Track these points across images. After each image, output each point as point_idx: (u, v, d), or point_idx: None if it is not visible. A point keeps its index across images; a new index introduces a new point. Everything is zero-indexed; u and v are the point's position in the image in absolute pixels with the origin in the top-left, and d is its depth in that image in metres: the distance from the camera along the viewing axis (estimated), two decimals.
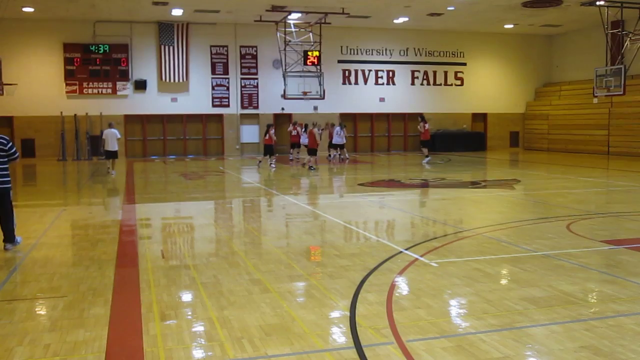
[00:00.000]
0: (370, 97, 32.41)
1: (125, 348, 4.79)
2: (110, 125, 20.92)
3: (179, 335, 4.98)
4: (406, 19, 29.26)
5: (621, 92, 24.98)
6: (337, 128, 25.00)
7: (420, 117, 25.15)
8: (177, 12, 26.81)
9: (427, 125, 24.08)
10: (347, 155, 26.21)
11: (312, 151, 22.12)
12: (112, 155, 20.18)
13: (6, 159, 8.25)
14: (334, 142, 25.19)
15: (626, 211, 11.43)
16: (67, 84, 28.25)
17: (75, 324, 5.27)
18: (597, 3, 24.73)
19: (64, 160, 27.39)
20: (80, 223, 11.13)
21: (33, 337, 4.96)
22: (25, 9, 25.38)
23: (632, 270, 6.93)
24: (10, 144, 8.31)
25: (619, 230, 9.80)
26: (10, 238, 8.39)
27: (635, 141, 27.38)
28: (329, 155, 26.36)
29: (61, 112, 27.95)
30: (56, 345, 4.79)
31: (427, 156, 24.03)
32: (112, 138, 20.02)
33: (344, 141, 25.10)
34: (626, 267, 7.14)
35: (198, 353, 4.65)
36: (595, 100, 27.74)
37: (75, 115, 28.09)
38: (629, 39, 25.56)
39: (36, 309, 5.83)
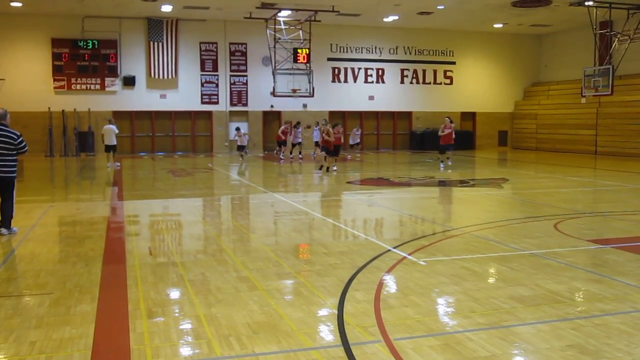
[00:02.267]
0: (359, 95, 32.42)
1: (112, 345, 4.76)
2: (109, 121, 22.37)
3: (166, 333, 4.95)
4: (396, 17, 29.30)
5: (609, 92, 25.17)
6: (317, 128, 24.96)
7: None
8: (166, 8, 26.69)
9: (450, 125, 22.05)
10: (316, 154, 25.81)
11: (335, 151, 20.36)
12: (111, 149, 21.63)
13: (15, 152, 8.98)
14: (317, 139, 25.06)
15: (613, 210, 11.50)
16: (55, 80, 28.04)
17: (61, 321, 5.23)
18: (586, 3, 24.87)
19: (51, 156, 27.21)
20: (68, 219, 11.06)
21: (18, 335, 4.91)
22: (14, 4, 25.17)
23: (619, 270, 6.97)
24: (21, 138, 9.02)
25: (606, 230, 9.86)
26: (7, 224, 9.04)
27: (622, 141, 27.58)
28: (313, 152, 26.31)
29: (49, 108, 27.73)
30: (42, 342, 4.74)
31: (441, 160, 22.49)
32: (111, 133, 21.66)
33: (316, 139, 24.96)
34: (613, 266, 7.19)
35: (185, 351, 4.63)
36: (583, 100, 27.87)
37: (63, 111, 27.86)
38: (617, 39, 25.74)
39: (22, 306, 5.77)
